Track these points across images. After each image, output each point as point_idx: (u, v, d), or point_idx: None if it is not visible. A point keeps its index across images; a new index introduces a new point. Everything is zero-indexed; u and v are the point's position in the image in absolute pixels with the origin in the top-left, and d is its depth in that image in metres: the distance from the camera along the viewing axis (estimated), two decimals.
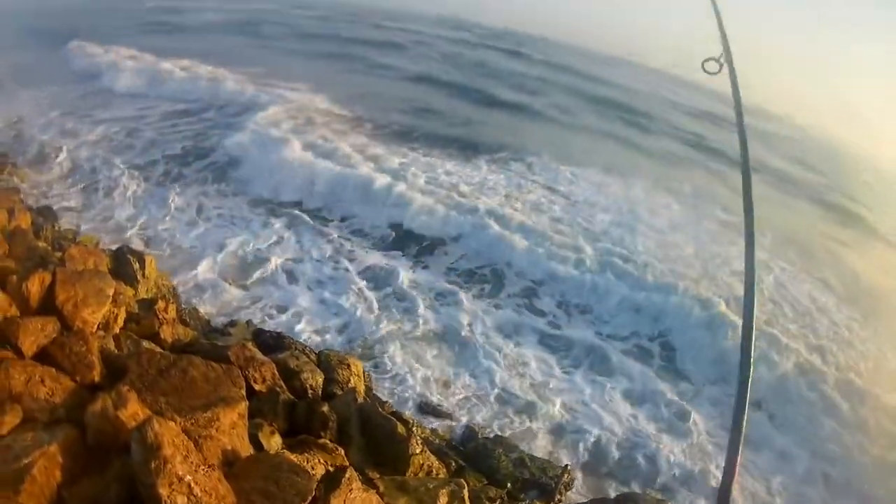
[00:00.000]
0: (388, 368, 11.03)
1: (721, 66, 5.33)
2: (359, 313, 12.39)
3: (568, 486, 8.98)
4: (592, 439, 10.33)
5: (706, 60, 5.44)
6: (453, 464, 8.18)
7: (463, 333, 12.43)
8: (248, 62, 30.84)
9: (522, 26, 70.32)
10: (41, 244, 9.38)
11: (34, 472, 3.63)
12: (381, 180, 18.61)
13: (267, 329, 10.34)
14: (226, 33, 41.39)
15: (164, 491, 3.55)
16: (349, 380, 8.61)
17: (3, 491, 3.53)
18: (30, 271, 6.25)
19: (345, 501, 4.27)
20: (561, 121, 33.13)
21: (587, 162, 24.83)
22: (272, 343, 9.24)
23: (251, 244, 14.36)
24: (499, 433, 9.85)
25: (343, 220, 17.04)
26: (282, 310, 11.97)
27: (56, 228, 11.76)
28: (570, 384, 11.71)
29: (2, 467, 3.64)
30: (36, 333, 5.20)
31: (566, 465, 9.19)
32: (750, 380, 3.23)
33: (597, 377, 12.06)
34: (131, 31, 37.45)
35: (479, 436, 9.62)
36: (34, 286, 6.01)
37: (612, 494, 9.09)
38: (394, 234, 16.71)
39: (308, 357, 8.72)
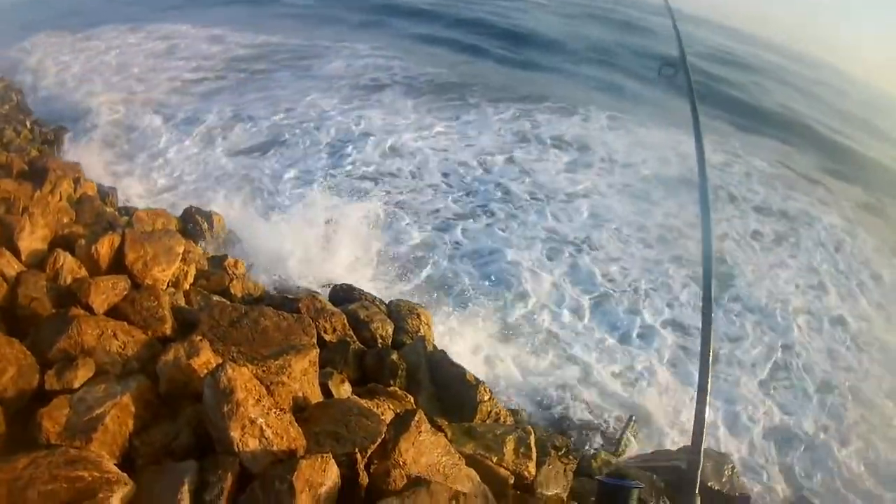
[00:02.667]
0: None
1: (676, 70, 5.42)
2: None
3: (634, 437, 8.96)
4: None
5: (663, 66, 5.51)
6: (522, 412, 8.20)
7: None
8: None
9: None
10: (108, 209, 9.53)
11: (107, 421, 3.71)
12: None
13: (337, 283, 10.41)
14: None
15: (236, 434, 3.60)
16: (419, 329, 8.64)
17: (76, 440, 3.62)
18: (98, 235, 6.37)
19: (413, 443, 4.29)
20: None
21: None
22: (342, 295, 9.30)
23: None
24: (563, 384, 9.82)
25: None
26: None
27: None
28: None
29: (75, 419, 3.73)
30: (107, 291, 5.29)
31: (631, 416, 9.16)
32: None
33: None
34: None
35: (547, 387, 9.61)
36: (104, 248, 6.10)
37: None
38: None
39: (378, 307, 8.77)
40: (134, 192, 13.33)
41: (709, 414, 3.44)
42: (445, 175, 16.13)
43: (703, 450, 3.23)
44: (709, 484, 7.86)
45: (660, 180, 17.54)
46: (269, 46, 26.72)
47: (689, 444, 3.33)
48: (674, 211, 15.74)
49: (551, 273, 12.52)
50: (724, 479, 8.06)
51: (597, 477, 6.46)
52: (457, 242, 13.03)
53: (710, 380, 3.44)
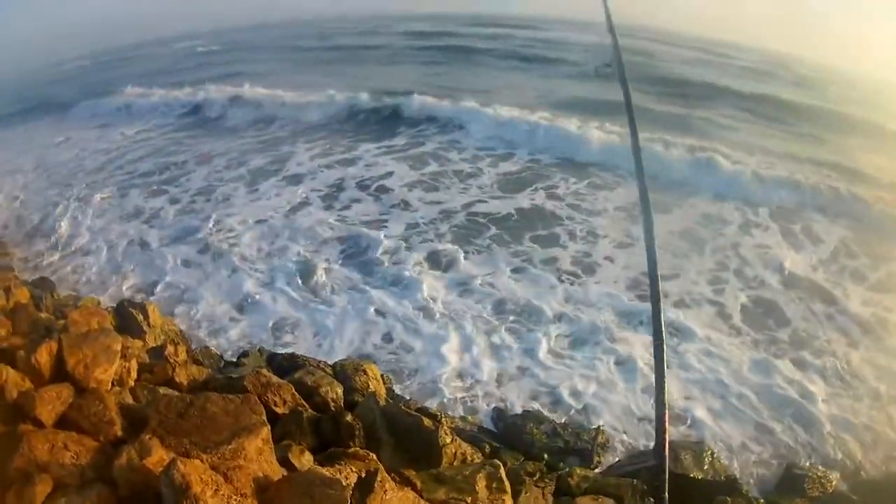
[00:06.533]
0: None
1: (612, 69, 5.67)
2: None
3: (604, 446, 9.05)
4: None
5: (599, 66, 5.77)
6: (487, 447, 8.23)
7: None
8: None
9: None
10: (43, 315, 9.43)
11: None
12: None
13: (278, 353, 10.41)
14: None
15: None
16: (368, 385, 8.69)
17: None
18: (36, 343, 6.29)
19: (381, 503, 4.32)
20: None
21: None
22: (286, 364, 9.30)
23: None
24: (525, 408, 9.89)
25: None
26: None
27: (55, 296, 11.81)
28: None
29: None
30: (52, 402, 5.24)
31: (599, 426, 9.26)
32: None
33: None
34: None
35: (508, 414, 9.68)
36: (43, 357, 6.03)
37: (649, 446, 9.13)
38: None
39: (324, 370, 8.80)
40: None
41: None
42: None
43: (666, 453, 3.32)
44: (691, 475, 8.01)
45: None
46: None
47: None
48: None
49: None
50: (705, 467, 8.22)
51: None
52: None
53: (665, 381, 3.56)
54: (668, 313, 12.61)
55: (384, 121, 27.16)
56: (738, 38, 64.38)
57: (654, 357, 3.62)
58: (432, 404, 9.92)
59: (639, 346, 11.68)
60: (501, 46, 48.12)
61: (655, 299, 3.83)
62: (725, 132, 26.21)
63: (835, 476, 8.79)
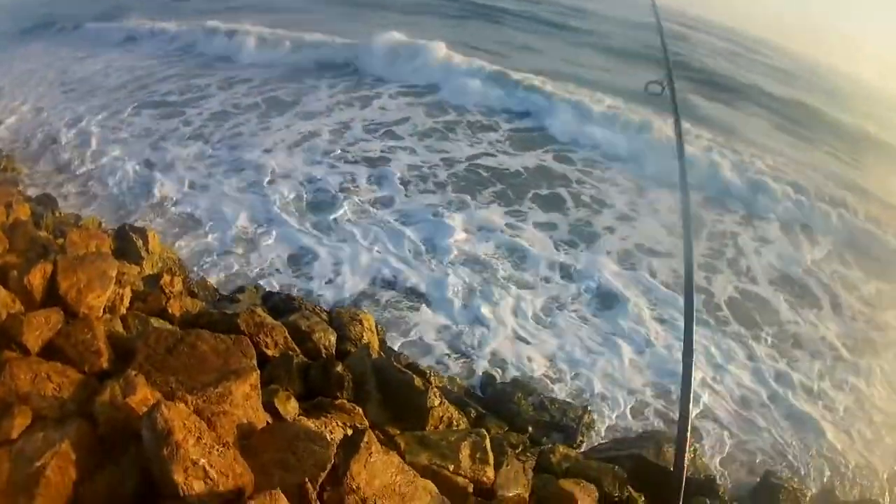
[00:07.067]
0: None
1: (663, 87, 5.53)
2: None
3: (589, 427, 9.00)
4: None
5: (650, 83, 5.62)
6: (473, 412, 8.19)
7: None
8: None
9: None
10: (42, 234, 9.30)
11: (48, 473, 3.61)
12: None
13: (276, 291, 10.34)
14: None
15: (179, 478, 3.52)
16: (362, 335, 8.62)
17: (20, 497, 3.52)
18: (31, 263, 6.19)
19: (365, 466, 4.23)
20: None
21: None
22: (282, 305, 9.23)
23: None
24: (517, 376, 9.84)
25: None
26: None
27: (57, 215, 11.68)
28: None
29: (16, 473, 3.63)
30: (40, 328, 5.15)
31: (586, 406, 9.20)
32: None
33: None
34: None
35: (498, 380, 9.62)
36: (36, 279, 5.95)
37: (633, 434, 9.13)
38: None
39: (319, 316, 8.73)
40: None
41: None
42: None
43: (685, 465, 3.26)
44: (671, 469, 7.98)
45: None
46: None
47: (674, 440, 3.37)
48: None
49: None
50: (686, 463, 8.15)
51: None
52: None
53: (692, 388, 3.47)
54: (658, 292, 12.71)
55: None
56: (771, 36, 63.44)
57: (682, 374, 3.51)
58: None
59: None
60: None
61: (689, 317, 3.71)
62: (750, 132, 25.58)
63: (809, 492, 8.77)
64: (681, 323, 4.19)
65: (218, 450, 3.77)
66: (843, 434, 10.03)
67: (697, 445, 8.80)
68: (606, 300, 12.45)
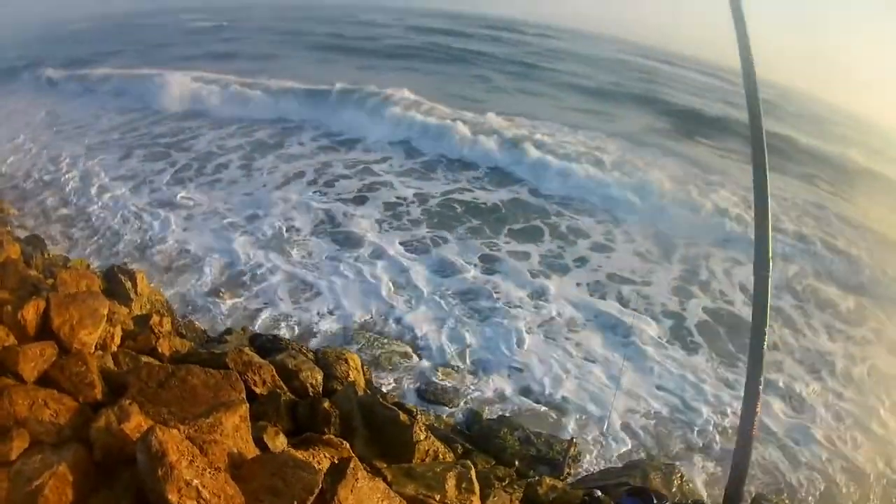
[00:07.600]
0: None
1: None
2: None
3: (575, 459, 9.10)
4: None
5: None
6: (460, 448, 8.28)
7: None
8: None
9: None
10: (33, 273, 9.40)
11: (46, 492, 3.71)
12: None
13: (263, 333, 10.44)
14: None
15: (173, 497, 3.63)
16: (348, 374, 8.72)
17: None
18: (24, 300, 6.29)
19: (352, 491, 4.33)
20: None
21: None
22: (269, 346, 9.33)
23: None
24: (502, 413, 9.95)
25: None
26: None
27: (46, 256, 11.80)
28: None
29: (14, 492, 3.73)
30: (35, 359, 5.26)
31: (572, 438, 9.29)
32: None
33: None
34: None
35: (483, 418, 9.72)
36: (29, 314, 6.05)
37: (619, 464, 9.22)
38: None
39: (305, 356, 8.83)
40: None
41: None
42: None
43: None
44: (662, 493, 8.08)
45: None
46: None
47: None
48: None
49: None
50: (673, 489, 8.26)
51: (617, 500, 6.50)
52: None
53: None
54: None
55: None
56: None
57: (742, 412, 3.59)
58: None
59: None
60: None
61: (757, 358, 3.78)
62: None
63: None
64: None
65: (210, 472, 3.87)
66: (831, 452, 10.11)
67: (684, 471, 8.88)
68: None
